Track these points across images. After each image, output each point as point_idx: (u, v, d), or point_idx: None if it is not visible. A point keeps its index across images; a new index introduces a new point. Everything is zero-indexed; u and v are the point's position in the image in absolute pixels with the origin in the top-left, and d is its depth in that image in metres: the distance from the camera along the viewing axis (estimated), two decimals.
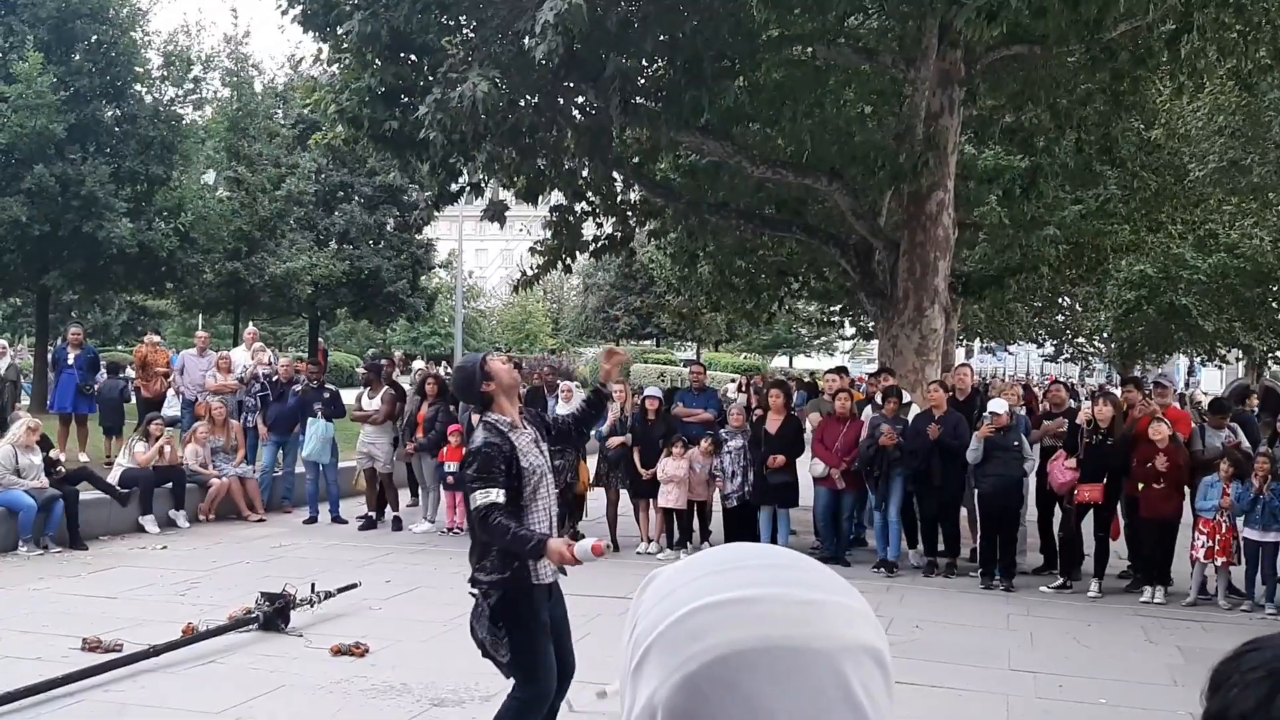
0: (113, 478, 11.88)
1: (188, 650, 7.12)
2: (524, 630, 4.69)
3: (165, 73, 22.92)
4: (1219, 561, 9.68)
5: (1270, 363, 32.72)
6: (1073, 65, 12.95)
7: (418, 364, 36.17)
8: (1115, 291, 26.66)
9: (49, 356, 19.39)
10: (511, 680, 4.77)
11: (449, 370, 24.77)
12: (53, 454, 11.12)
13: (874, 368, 14.72)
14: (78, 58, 21.28)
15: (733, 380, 28.37)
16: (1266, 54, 12.45)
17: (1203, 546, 9.67)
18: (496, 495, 4.60)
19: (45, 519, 10.54)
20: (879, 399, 11.25)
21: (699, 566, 0.86)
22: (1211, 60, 12.71)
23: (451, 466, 12.10)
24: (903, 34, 12.58)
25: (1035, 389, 21.79)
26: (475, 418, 12.01)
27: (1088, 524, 10.43)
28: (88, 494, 11.29)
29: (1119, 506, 10.33)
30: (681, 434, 11.44)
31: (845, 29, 12.96)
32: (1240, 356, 35.21)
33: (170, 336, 36.52)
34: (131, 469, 11.89)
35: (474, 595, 4.75)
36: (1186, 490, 10.08)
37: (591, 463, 12.06)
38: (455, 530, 12.15)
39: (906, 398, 11.30)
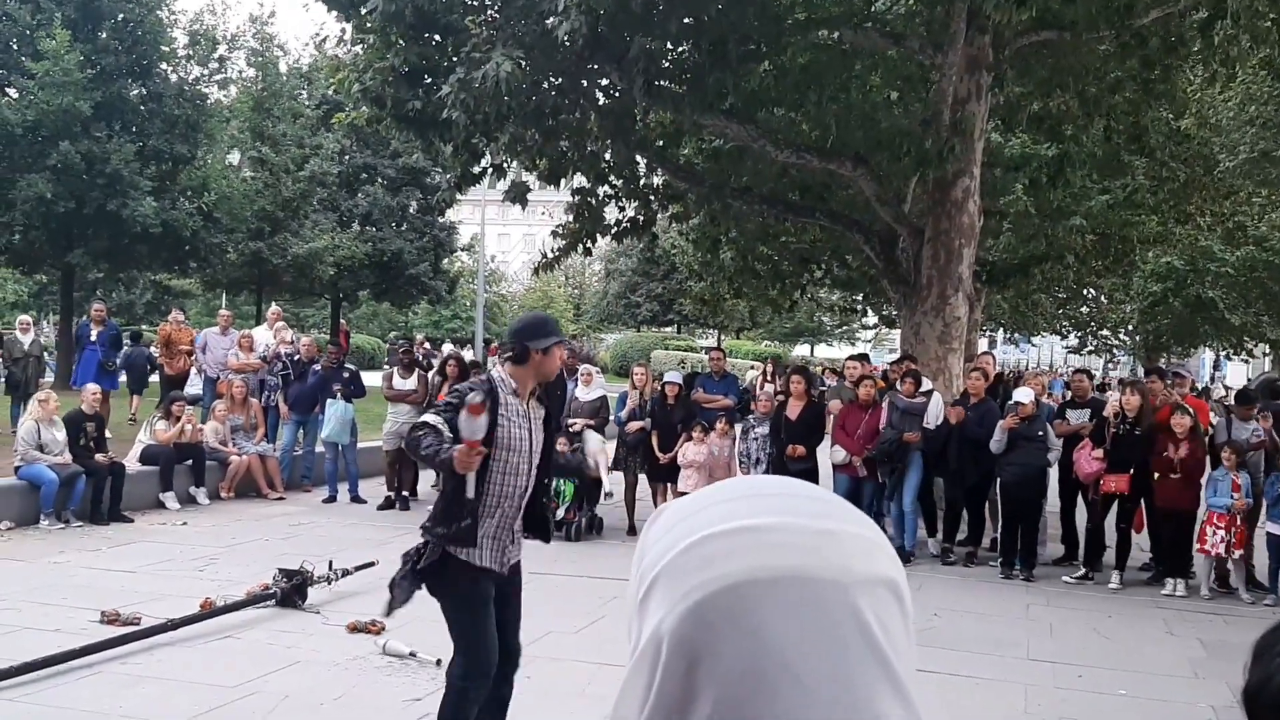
0: (134, 455, 11.94)
1: (205, 624, 7.15)
2: (458, 599, 4.53)
3: (191, 52, 23.04)
4: (1237, 554, 9.56)
5: None
6: (1103, 52, 12.77)
7: (448, 347, 36.18)
8: (1141, 283, 26.44)
9: (73, 333, 19.51)
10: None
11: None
12: (97, 452, 11.10)
13: (895, 356, 14.64)
14: (104, 36, 21.38)
15: (753, 367, 28.27)
16: None
17: (1222, 541, 9.55)
18: (434, 419, 4.45)
19: (67, 494, 10.60)
20: (899, 384, 11.18)
21: (710, 496, 0.83)
22: (1244, 48, 12.52)
23: None
24: (930, 18, 12.45)
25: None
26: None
27: (1110, 515, 10.34)
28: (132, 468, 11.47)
29: (1142, 498, 10.22)
30: (701, 419, 11.40)
31: (872, 13, 12.84)
32: (1267, 351, 34.88)
33: (194, 316, 36.69)
34: (153, 446, 11.96)
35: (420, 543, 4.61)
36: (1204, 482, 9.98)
37: (610, 447, 12.03)
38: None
39: (927, 384, 11.22)
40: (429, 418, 4.50)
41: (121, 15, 21.48)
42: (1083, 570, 10.14)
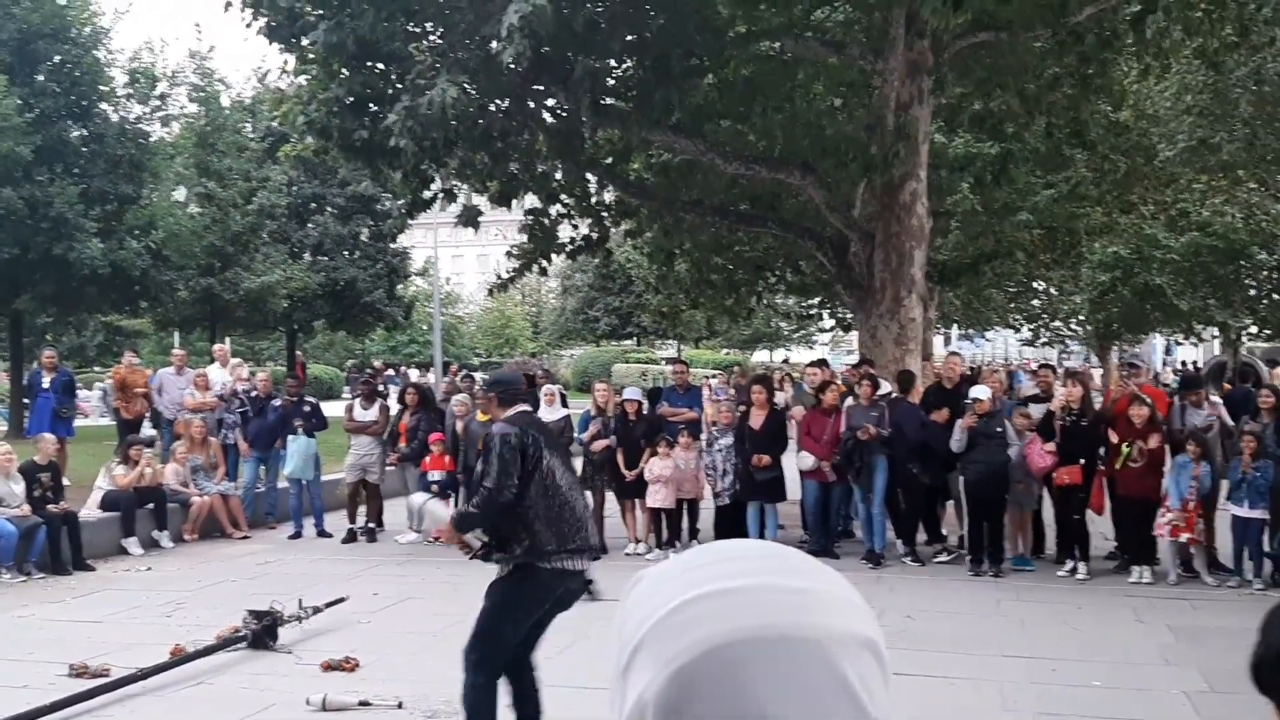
0: (93, 501, 11.77)
1: (176, 672, 7.05)
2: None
3: (131, 90, 22.74)
4: (1184, 538, 9.68)
5: (1245, 339, 32.92)
6: (1040, 50, 12.99)
7: (414, 373, 35.82)
8: (1089, 274, 26.80)
9: (24, 381, 19.21)
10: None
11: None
12: (51, 502, 10.92)
13: (853, 359, 14.75)
14: (41, 78, 21.08)
15: (713, 377, 28.36)
16: (1231, 31, 12.53)
17: (1168, 524, 9.69)
18: None
19: (28, 546, 10.43)
20: (856, 388, 11.26)
21: (686, 562, 0.84)
22: (1177, 40, 12.78)
23: (435, 475, 12.05)
24: (869, 25, 12.61)
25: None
26: (460, 425, 11.98)
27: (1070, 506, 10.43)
28: (85, 515, 11.30)
29: (1104, 485, 10.35)
30: (666, 433, 11.42)
31: (812, 22, 12.97)
32: (1216, 334, 35.42)
33: (147, 356, 36.12)
34: (112, 491, 11.79)
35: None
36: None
37: (577, 464, 12.00)
38: (440, 540, 12.10)
39: (885, 386, 11.31)
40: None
41: (59, 57, 21.18)
42: (1070, 565, 10.18)
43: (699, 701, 0.76)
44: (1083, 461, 10.02)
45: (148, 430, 15.23)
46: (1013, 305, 33.17)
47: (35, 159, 19.91)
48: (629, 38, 11.49)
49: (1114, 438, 9.94)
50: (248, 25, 11.64)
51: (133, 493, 11.80)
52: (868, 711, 0.78)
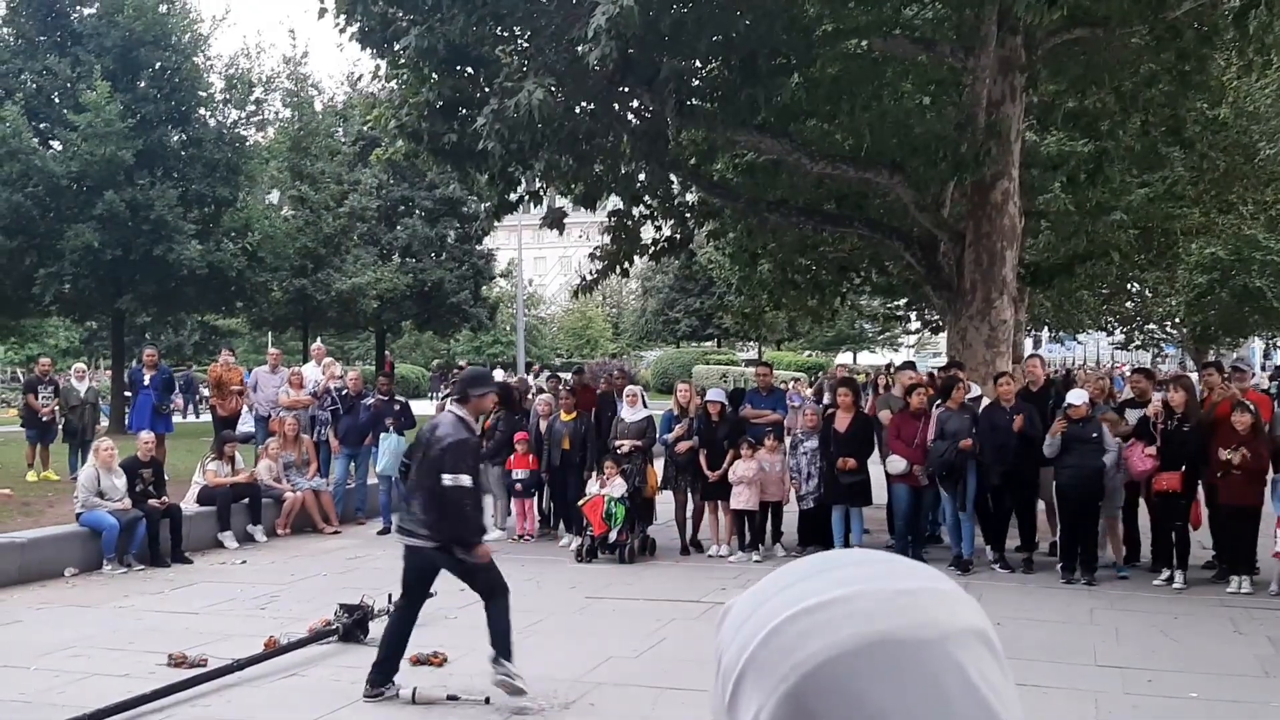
0: (190, 496, 12.11)
1: (271, 663, 7.22)
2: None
3: (227, 96, 23.38)
4: None
5: None
6: (1136, 46, 12.68)
7: (499, 374, 36.10)
8: (1186, 275, 26.11)
9: (125, 378, 19.83)
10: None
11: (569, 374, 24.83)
12: (153, 498, 11.31)
13: (940, 362, 14.55)
14: (143, 85, 21.78)
15: (795, 379, 28.18)
16: None
17: None
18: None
19: (129, 538, 10.77)
20: (953, 392, 11.08)
21: (777, 581, 0.81)
22: (1279, 35, 12.38)
23: (519, 474, 12.17)
24: (960, 22, 12.42)
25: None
26: (543, 424, 12.10)
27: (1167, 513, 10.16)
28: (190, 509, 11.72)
29: (1201, 494, 10.07)
30: (749, 435, 11.38)
31: (901, 20, 12.81)
32: None
33: (241, 355, 37.12)
34: (208, 486, 12.13)
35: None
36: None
37: (658, 465, 12.04)
38: (525, 537, 12.23)
39: (976, 390, 11.12)
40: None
41: (159, 64, 21.88)
42: (1166, 573, 9.92)
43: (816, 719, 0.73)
44: (1184, 468, 9.74)
45: (244, 428, 15.63)
46: (1105, 307, 32.44)
47: (136, 163, 20.59)
48: (715, 38, 11.46)
49: (1223, 455, 9.59)
50: (341, 31, 11.86)
51: (228, 488, 12.12)
52: (992, 706, 0.75)
